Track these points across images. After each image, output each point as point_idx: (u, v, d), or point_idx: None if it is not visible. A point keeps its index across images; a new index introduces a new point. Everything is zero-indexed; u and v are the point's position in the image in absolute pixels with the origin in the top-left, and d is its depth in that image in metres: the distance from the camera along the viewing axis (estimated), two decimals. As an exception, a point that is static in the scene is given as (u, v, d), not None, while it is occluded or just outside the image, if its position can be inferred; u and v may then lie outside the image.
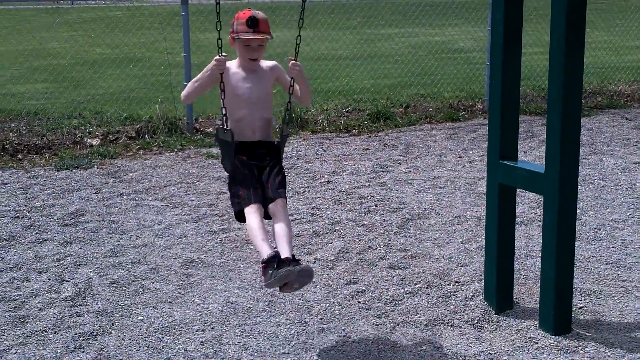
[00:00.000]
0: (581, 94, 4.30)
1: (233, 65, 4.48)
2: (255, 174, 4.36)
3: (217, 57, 4.35)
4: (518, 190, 4.87)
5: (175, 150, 8.72)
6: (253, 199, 4.24)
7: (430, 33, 18.06)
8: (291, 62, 4.44)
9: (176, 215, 6.58)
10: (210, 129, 9.52)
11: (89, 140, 8.96)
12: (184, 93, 4.61)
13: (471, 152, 8.67)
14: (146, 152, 8.65)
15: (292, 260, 4.01)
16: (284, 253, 4.05)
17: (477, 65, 13.60)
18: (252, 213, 4.21)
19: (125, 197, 7.07)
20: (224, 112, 4.40)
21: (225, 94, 4.40)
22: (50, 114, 10.31)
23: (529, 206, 6.67)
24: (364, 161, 8.27)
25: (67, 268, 5.44)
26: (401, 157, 8.44)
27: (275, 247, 4.12)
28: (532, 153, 8.50)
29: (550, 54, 4.24)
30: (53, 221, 6.41)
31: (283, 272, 3.92)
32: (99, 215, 6.57)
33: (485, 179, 4.84)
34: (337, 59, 13.62)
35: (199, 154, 8.55)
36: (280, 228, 4.18)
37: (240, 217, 4.31)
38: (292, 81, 4.51)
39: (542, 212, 4.46)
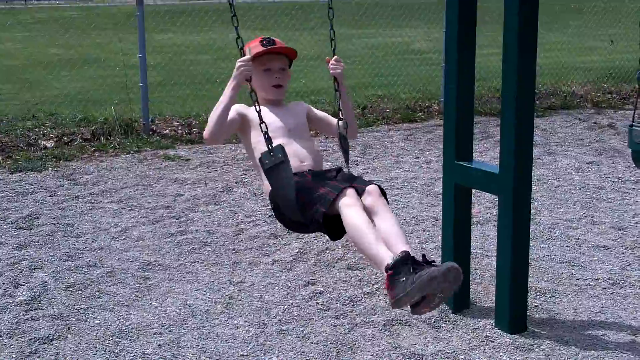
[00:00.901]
0: (534, 94, 4.36)
1: (255, 106, 3.62)
2: (325, 179, 3.62)
3: (240, 59, 3.59)
4: (474, 190, 4.91)
5: (132, 152, 8.65)
6: (340, 185, 3.40)
7: (387, 34, 18.14)
8: (333, 58, 3.85)
9: (133, 217, 6.52)
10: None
11: (44, 142, 8.84)
12: (207, 129, 3.69)
13: (428, 152, 8.73)
14: (102, 154, 8.56)
15: (426, 262, 3.14)
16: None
17: (433, 66, 13.68)
18: (349, 204, 3.27)
19: (80, 199, 6.99)
20: (264, 130, 3.48)
21: (254, 123, 3.66)
22: (4, 115, 10.16)
23: (485, 206, 6.74)
24: (322, 162, 8.29)
25: (21, 272, 5.37)
26: (358, 158, 8.48)
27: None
28: (487, 153, 8.59)
29: (504, 55, 4.29)
30: (7, 224, 6.31)
31: (425, 277, 2.97)
32: (54, 218, 6.49)
33: (442, 179, 4.88)
34: (294, 60, 13.64)
35: (155, 156, 8.49)
36: (387, 225, 3.35)
37: (330, 225, 3.42)
38: (337, 84, 3.87)
39: (497, 212, 4.51)
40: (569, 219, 6.45)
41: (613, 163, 8.20)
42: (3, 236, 6.05)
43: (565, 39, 15.87)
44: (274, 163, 3.45)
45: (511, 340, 4.39)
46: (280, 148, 3.46)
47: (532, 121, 4.35)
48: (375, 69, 13.67)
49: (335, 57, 3.87)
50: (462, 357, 4.23)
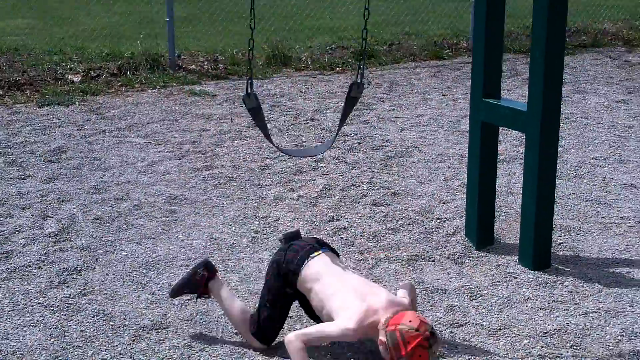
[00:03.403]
0: (565, 32, 4.29)
1: None
2: None
3: None
4: (501, 128, 4.88)
5: (158, 87, 8.65)
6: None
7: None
8: None
9: (159, 152, 6.56)
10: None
11: (71, 77, 8.87)
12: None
13: (455, 90, 8.66)
14: (128, 89, 8.58)
15: None
16: None
17: (462, 2, 13.48)
18: None
19: (107, 134, 7.03)
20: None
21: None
22: (31, 49, 10.18)
23: (511, 144, 6.70)
24: (348, 99, 8.24)
25: (50, 204, 5.44)
26: (385, 95, 8.43)
27: None
28: (515, 92, 8.50)
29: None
30: (35, 158, 6.38)
31: None
32: (81, 152, 6.54)
33: (469, 117, 4.84)
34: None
35: (181, 91, 8.49)
36: None
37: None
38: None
39: (524, 150, 4.48)
40: (597, 157, 6.39)
41: (643, 102, 8.10)
42: (31, 169, 6.12)
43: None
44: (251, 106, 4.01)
45: (534, 277, 4.40)
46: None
47: (562, 59, 4.29)
48: (402, 6, 13.49)
49: None
50: (485, 292, 4.25)
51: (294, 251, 3.67)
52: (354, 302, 3.40)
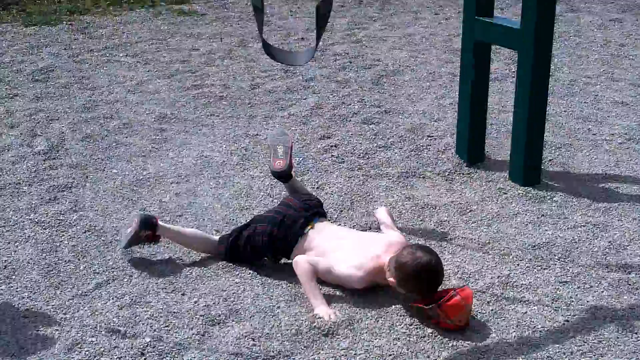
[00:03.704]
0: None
1: None
2: None
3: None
4: (493, 46, 4.83)
5: (146, 6, 8.51)
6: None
7: None
8: None
9: (148, 71, 6.49)
10: None
11: (57, -4, 8.70)
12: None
13: (447, 9, 8.54)
14: (116, 9, 8.43)
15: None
16: None
17: None
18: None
19: (95, 53, 6.94)
20: None
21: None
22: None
23: (504, 62, 6.65)
24: (339, 18, 8.13)
25: (39, 123, 5.40)
26: (376, 14, 8.31)
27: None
28: (508, 10, 8.39)
29: None
30: (23, 77, 6.30)
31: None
32: (69, 71, 6.46)
33: (461, 35, 4.78)
34: None
35: (170, 11, 8.35)
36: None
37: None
38: None
39: (516, 68, 4.45)
40: (589, 75, 6.36)
41: (637, 20, 8.00)
42: (19, 88, 6.05)
43: None
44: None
45: (524, 192, 4.42)
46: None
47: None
48: None
49: None
50: (475, 207, 4.27)
51: (287, 227, 3.70)
52: (356, 253, 3.52)
